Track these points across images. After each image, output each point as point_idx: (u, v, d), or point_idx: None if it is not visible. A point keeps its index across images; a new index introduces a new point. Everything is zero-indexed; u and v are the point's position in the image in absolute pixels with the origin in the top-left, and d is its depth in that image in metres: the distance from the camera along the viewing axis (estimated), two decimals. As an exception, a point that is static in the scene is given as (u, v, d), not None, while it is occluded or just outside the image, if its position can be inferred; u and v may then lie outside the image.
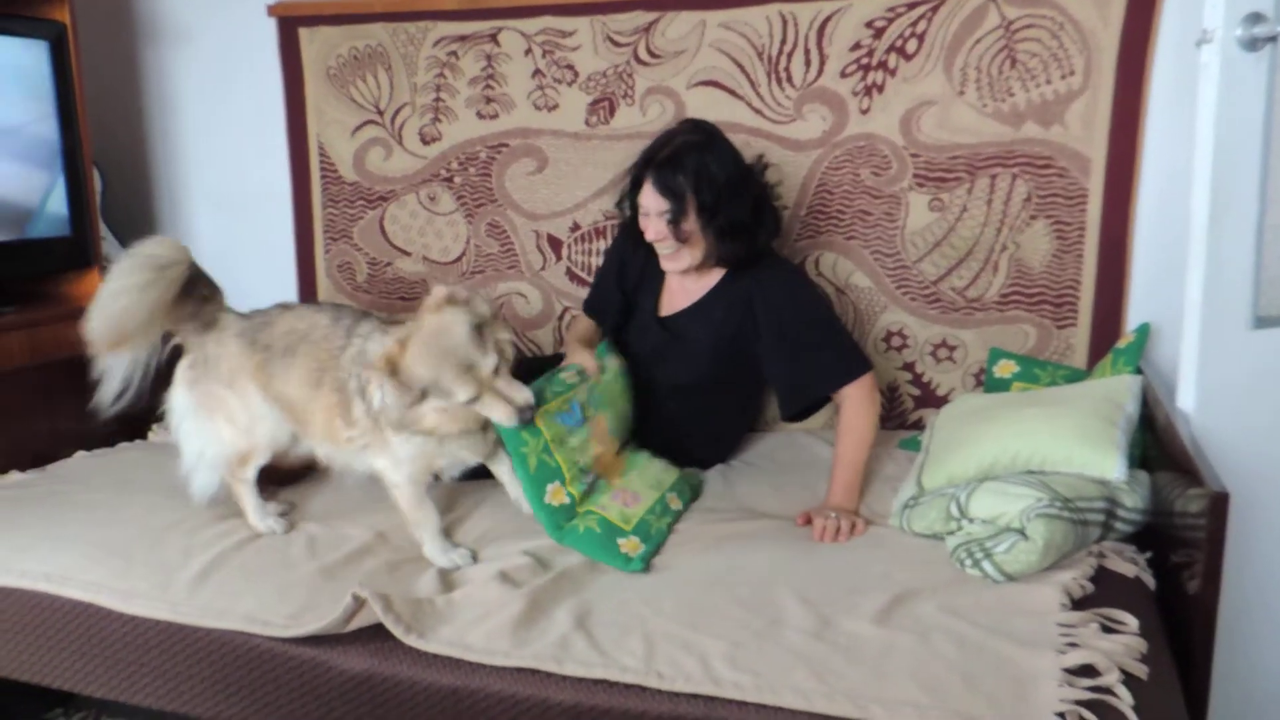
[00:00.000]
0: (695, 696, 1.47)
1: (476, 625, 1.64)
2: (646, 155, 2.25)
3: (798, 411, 2.33)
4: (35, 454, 2.39)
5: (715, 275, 2.33)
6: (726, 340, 2.29)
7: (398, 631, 1.61)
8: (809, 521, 2.04)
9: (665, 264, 2.31)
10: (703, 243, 2.24)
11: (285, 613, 1.71)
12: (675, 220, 2.19)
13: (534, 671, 1.54)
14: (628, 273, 2.48)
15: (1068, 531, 1.73)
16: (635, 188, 2.27)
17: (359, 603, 1.64)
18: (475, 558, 1.94)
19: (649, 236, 2.26)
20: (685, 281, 2.37)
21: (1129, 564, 1.78)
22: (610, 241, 2.71)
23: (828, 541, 1.96)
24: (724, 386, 2.36)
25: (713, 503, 2.18)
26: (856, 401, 2.18)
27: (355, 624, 1.66)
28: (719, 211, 2.19)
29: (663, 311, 2.41)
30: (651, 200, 2.21)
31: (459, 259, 2.98)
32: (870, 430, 2.17)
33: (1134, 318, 2.47)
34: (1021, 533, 1.73)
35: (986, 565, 1.72)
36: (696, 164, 2.18)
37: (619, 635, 1.59)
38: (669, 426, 2.34)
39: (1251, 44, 1.86)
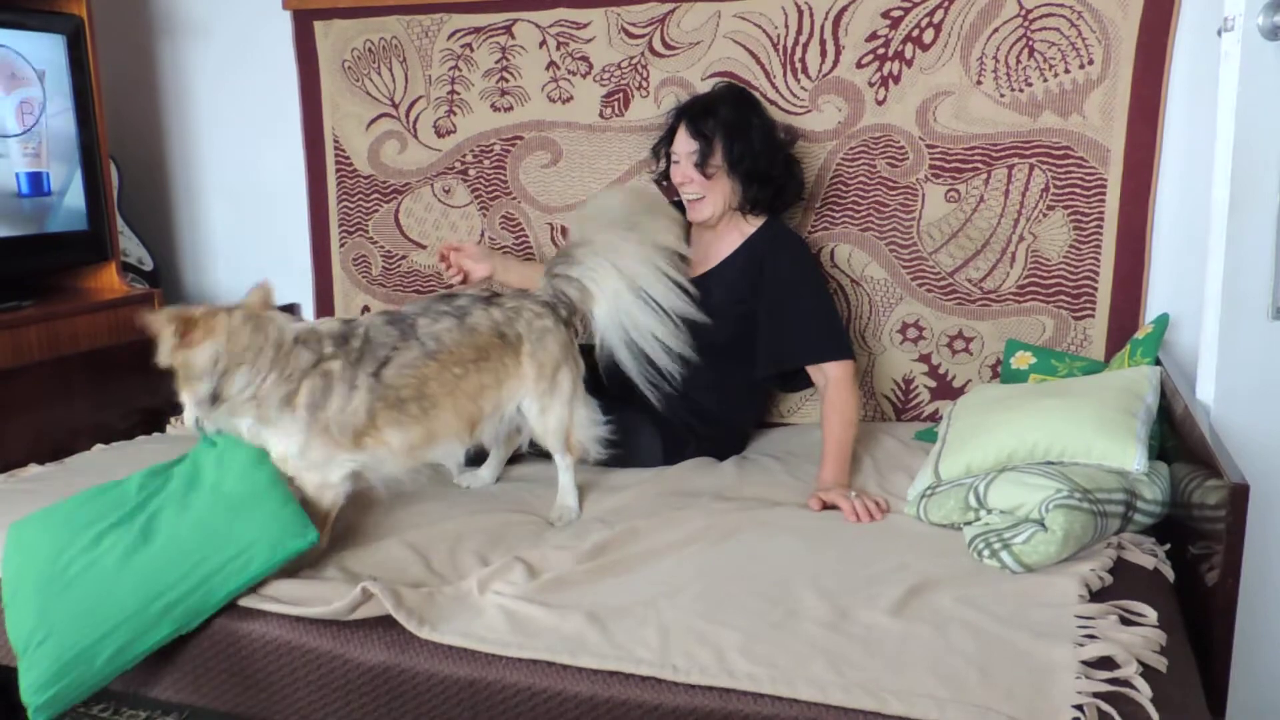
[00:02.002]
0: (711, 688, 1.46)
1: (483, 615, 1.64)
2: (682, 108, 2.43)
3: (773, 375, 2.40)
4: (54, 447, 2.40)
5: (737, 238, 2.42)
6: (743, 298, 2.37)
7: (410, 625, 1.61)
8: (824, 506, 2.05)
9: (691, 212, 2.42)
10: (726, 188, 2.36)
11: (299, 596, 1.72)
12: (703, 160, 2.32)
13: (549, 663, 1.54)
14: None
15: (1087, 522, 1.72)
16: (670, 138, 2.43)
17: (366, 595, 1.64)
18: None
19: (677, 180, 2.40)
20: (711, 242, 2.44)
21: (1148, 556, 1.77)
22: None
23: (864, 522, 1.99)
24: (745, 350, 2.39)
25: (728, 493, 2.17)
26: (842, 384, 2.27)
27: (361, 613, 1.66)
28: (745, 156, 2.34)
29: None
30: (683, 144, 2.37)
31: (474, 252, 2.98)
32: (855, 412, 2.26)
33: (1152, 309, 2.45)
34: (1040, 523, 1.72)
35: (1005, 556, 1.72)
36: (727, 113, 2.36)
37: (634, 627, 1.58)
38: (692, 399, 2.37)
39: (1273, 32, 1.85)
